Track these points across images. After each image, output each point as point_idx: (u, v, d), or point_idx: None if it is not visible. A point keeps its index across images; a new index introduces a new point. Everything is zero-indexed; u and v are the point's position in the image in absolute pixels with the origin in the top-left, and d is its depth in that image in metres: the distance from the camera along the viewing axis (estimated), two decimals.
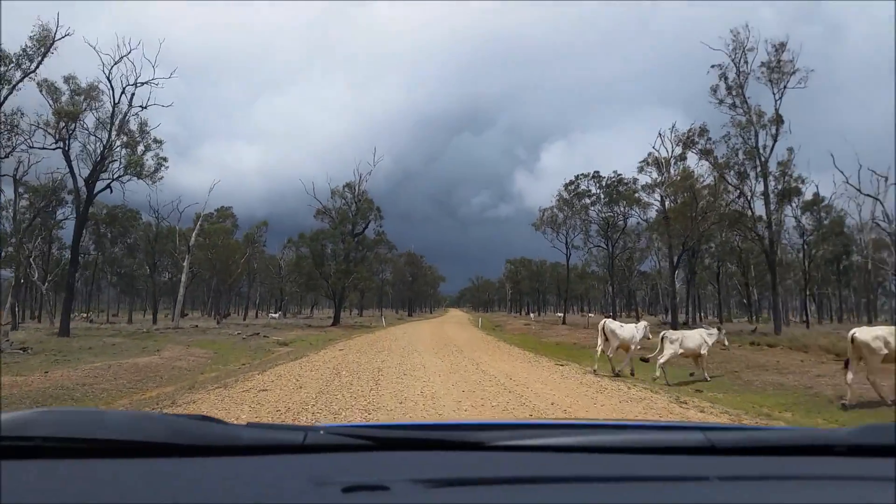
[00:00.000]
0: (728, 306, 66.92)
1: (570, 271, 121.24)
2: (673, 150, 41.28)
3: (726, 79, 36.36)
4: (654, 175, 53.78)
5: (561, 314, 72.29)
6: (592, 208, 60.20)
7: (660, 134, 41.52)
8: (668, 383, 13.73)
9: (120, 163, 35.42)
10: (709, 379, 14.87)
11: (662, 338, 14.67)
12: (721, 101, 36.90)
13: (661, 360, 14.22)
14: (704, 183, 39.57)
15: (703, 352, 15.00)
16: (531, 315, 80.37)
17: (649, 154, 53.11)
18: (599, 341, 15.67)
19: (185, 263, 48.78)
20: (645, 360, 14.90)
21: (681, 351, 14.49)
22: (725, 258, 61.74)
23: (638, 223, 59.52)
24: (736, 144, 35.82)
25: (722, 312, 60.66)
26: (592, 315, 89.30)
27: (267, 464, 1.15)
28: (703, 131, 36.78)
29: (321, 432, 1.28)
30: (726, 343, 16.51)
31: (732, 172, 35.73)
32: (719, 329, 16.23)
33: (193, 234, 49.76)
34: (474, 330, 44.60)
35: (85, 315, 73.47)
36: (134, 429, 1.19)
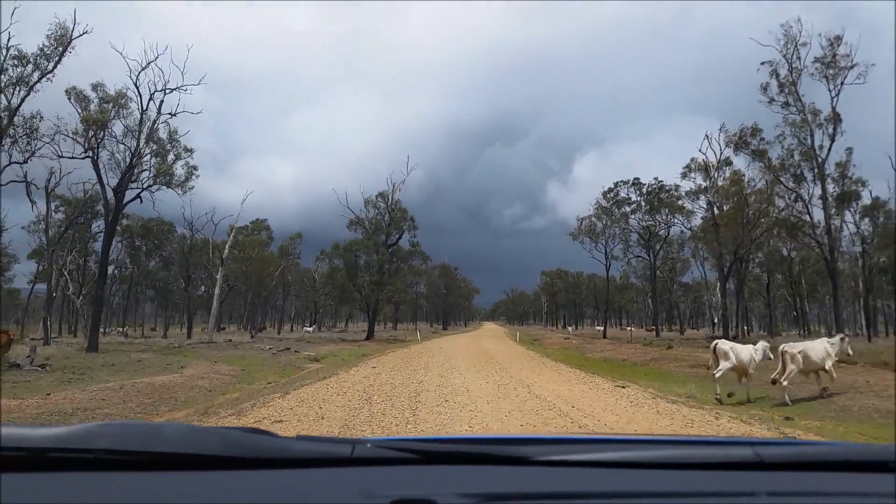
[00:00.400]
0: (774, 319, 63.46)
1: (610, 283, 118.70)
2: (721, 153, 38.68)
3: (778, 76, 33.89)
4: (699, 181, 51.28)
5: (600, 327, 69.53)
6: (633, 217, 57.77)
7: (707, 136, 38.99)
8: (788, 403, 11.82)
9: (149, 172, 34.40)
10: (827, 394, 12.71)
11: (783, 353, 12.51)
12: (772, 101, 34.41)
13: (784, 381, 12.10)
14: (756, 187, 37.01)
15: (827, 366, 12.82)
16: (569, 328, 77.58)
17: (693, 159, 50.72)
18: (715, 363, 13.42)
19: (218, 276, 47.65)
20: (774, 383, 12.74)
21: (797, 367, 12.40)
22: (774, 268, 58.63)
23: (682, 232, 56.93)
24: (791, 145, 33.31)
25: (772, 325, 57.32)
26: (632, 328, 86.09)
27: (317, 476, 1.18)
28: (756, 131, 34.22)
29: (368, 445, 1.27)
30: (850, 352, 14.40)
31: (788, 175, 33.12)
32: (842, 338, 14.03)
33: (227, 246, 48.66)
34: (513, 344, 42.44)
35: (121, 329, 73.28)
36: (190, 442, 1.21)
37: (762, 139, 33.82)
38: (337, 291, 49.58)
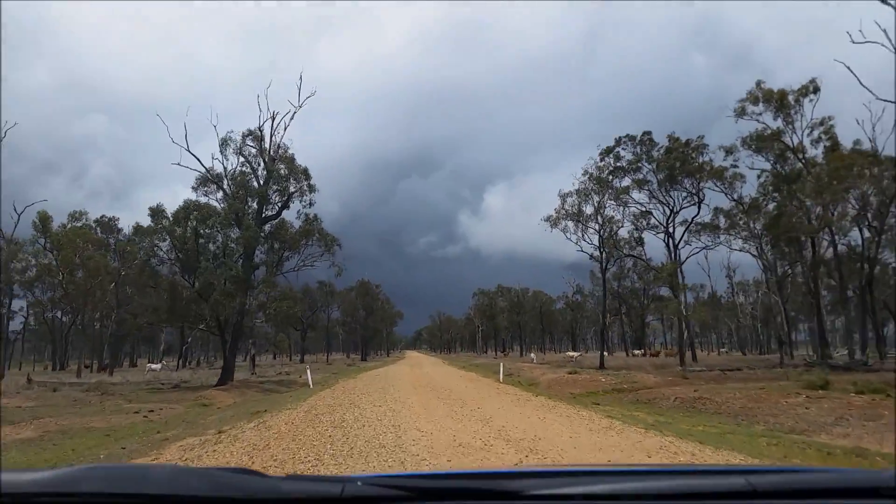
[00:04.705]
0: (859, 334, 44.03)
1: (552, 302, 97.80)
2: None
3: None
4: (768, 120, 31.35)
5: (574, 353, 48.76)
6: (642, 190, 37.09)
7: None
8: None
9: None
10: None
11: None
12: None
13: None
14: None
15: None
16: (531, 356, 56.13)
17: (758, 83, 30.81)
18: None
19: None
20: None
21: None
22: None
23: (715, 210, 36.69)
24: None
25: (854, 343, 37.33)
26: (604, 353, 65.88)
27: None
28: None
29: (359, 483, 1.19)
30: None
31: None
32: None
33: None
34: (512, 390, 20.24)
35: None
36: (177, 483, 1.14)
37: None
38: (163, 300, 25.88)
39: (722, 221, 35.63)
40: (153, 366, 42.62)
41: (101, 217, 54.73)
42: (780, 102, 29.58)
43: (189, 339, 55.74)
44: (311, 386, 21.32)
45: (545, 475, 1.40)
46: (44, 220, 43.86)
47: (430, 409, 12.55)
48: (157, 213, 24.68)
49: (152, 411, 15.88)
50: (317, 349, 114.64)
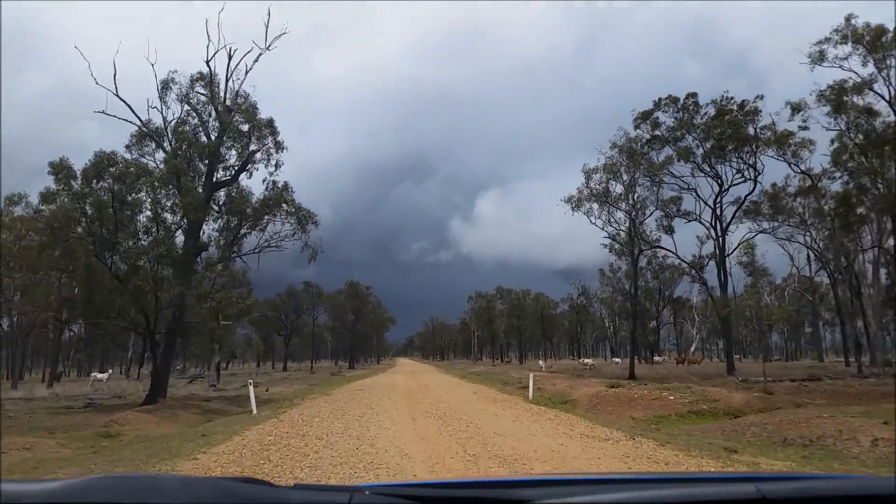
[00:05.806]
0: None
1: (555, 305, 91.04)
2: None
3: None
4: (854, 65, 24.96)
5: (588, 360, 41.99)
6: (687, 162, 30.63)
7: None
8: None
9: None
10: None
11: None
12: None
13: None
14: None
15: None
16: (540, 363, 49.37)
17: (848, 19, 24.50)
18: None
19: None
20: None
21: None
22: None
23: (772, 187, 30.20)
24: None
25: None
26: (617, 359, 59.09)
27: None
28: None
29: (366, 493, 1.19)
30: None
31: None
32: None
33: None
34: (539, 411, 13.63)
35: None
36: (186, 493, 1.13)
37: None
38: (82, 290, 19.18)
39: (782, 199, 29.28)
40: (99, 375, 35.69)
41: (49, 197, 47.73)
42: (873, 44, 23.30)
43: (160, 342, 48.58)
44: (255, 411, 14.44)
45: (553, 483, 1.35)
46: None
47: None
48: (60, 169, 17.91)
49: None
50: (303, 356, 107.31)
